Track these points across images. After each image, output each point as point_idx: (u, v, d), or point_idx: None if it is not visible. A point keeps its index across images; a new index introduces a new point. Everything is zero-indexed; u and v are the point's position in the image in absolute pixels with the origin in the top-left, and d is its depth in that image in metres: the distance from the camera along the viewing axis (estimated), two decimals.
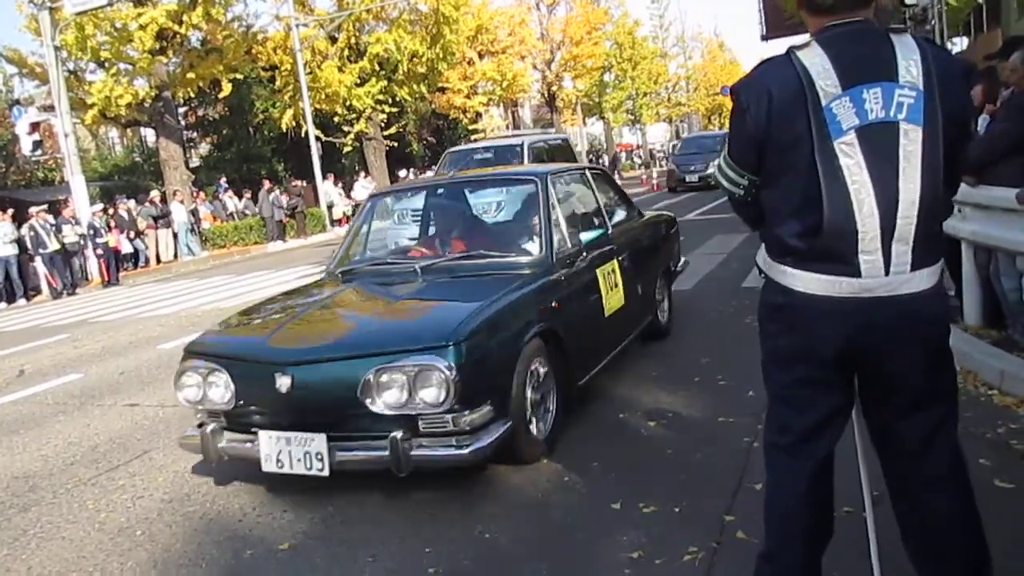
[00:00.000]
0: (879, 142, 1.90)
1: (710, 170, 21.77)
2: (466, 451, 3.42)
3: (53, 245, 16.34)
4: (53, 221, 16.79)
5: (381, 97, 27.35)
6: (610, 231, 5.31)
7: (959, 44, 19.36)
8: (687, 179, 23.24)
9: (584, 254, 4.72)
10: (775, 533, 2.21)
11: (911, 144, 1.89)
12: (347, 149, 28.70)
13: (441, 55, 28.40)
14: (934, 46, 2.00)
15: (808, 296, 2.01)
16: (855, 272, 1.94)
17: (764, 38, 20.72)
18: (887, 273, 1.94)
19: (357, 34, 27.76)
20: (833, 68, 1.92)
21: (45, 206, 17.24)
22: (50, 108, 18.65)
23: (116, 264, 17.64)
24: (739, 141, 2.09)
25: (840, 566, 2.48)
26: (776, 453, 2.20)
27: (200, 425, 3.97)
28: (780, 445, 2.18)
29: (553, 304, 4.18)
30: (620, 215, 5.91)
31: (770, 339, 2.17)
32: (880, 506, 2.47)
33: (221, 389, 3.80)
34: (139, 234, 19.80)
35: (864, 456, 2.45)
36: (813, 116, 1.91)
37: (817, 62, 1.93)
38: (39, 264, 16.67)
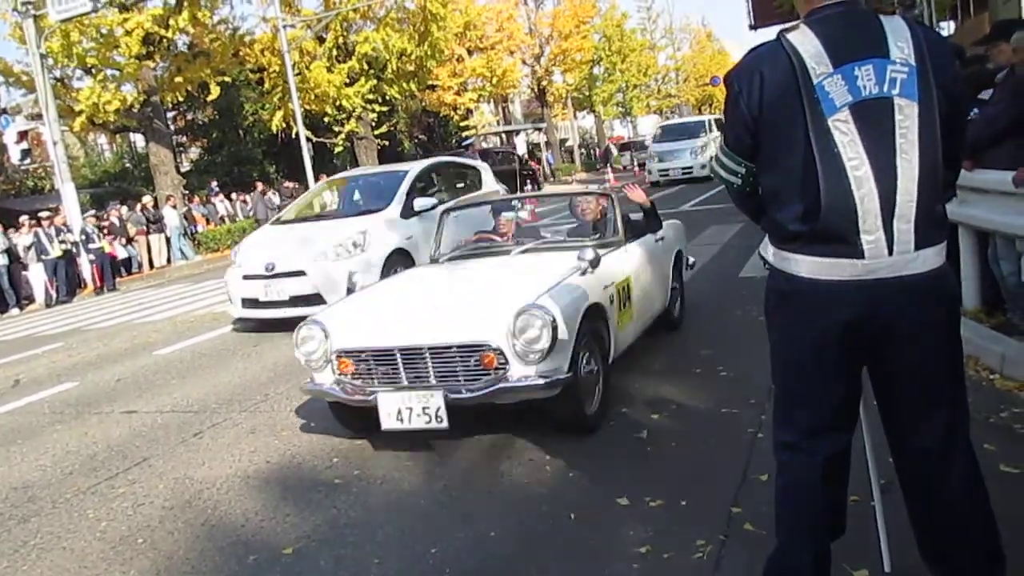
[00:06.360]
0: (874, 118, 1.90)
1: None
2: None
3: (56, 252, 16.25)
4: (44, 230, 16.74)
5: (371, 96, 27.23)
6: None
7: (947, 28, 19.40)
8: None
9: None
10: (786, 533, 2.19)
11: (907, 120, 1.89)
12: (338, 149, 28.62)
13: (430, 53, 28.31)
14: (922, 26, 2.04)
15: (813, 281, 1.99)
16: (858, 253, 1.93)
17: (752, 27, 20.72)
18: (891, 253, 1.92)
19: (345, 34, 27.64)
20: (823, 47, 1.92)
21: (47, 213, 17.13)
22: (38, 116, 18.55)
23: (112, 270, 17.51)
24: (734, 127, 2.10)
25: (849, 556, 2.47)
26: (786, 452, 2.17)
27: None
28: (789, 443, 2.15)
29: None
30: None
31: (777, 329, 2.15)
32: (888, 494, 2.46)
33: None
34: (130, 240, 19.69)
35: (872, 443, 2.44)
36: (805, 95, 1.92)
37: (807, 43, 1.94)
38: (32, 273, 16.57)
